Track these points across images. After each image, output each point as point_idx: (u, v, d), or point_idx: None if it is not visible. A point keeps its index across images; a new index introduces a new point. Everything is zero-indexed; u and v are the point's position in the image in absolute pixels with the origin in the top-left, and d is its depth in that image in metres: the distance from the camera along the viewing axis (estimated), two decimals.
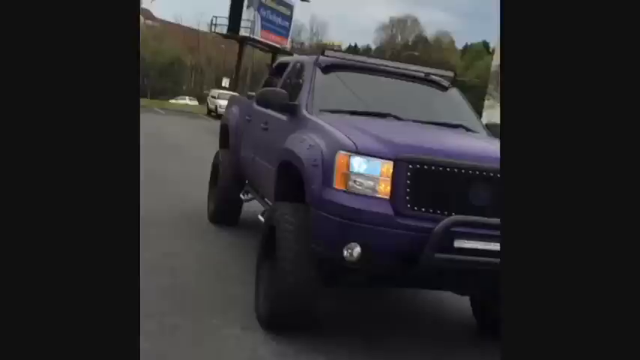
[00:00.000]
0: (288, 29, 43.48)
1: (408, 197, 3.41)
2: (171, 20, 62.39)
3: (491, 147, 3.80)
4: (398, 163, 3.44)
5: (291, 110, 4.58)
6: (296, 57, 5.77)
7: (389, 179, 3.45)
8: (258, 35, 39.69)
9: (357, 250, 3.42)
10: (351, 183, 3.47)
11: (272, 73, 6.10)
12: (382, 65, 5.07)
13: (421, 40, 76.72)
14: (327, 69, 4.86)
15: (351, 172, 3.47)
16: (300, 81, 4.95)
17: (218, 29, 41.21)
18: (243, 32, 39.06)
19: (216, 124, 23.87)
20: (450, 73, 5.29)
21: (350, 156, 3.48)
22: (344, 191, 3.48)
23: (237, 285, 4.66)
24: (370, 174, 3.46)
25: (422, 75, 5.18)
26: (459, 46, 77.84)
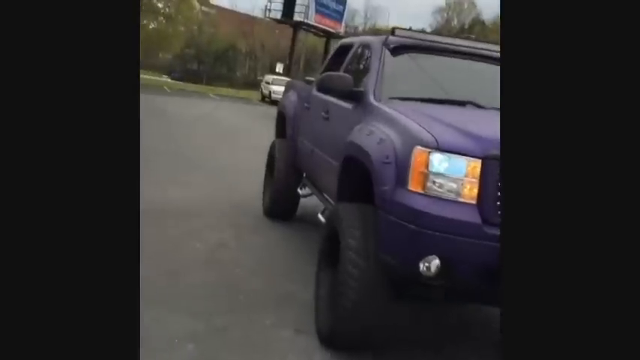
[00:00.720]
0: (342, 13, 42.69)
1: (499, 202, 2.86)
2: (226, 6, 62.52)
3: None
4: (487, 161, 2.88)
5: (357, 97, 4.05)
6: (361, 37, 5.21)
7: (476, 181, 2.90)
8: (312, 19, 39.14)
9: (436, 264, 2.90)
10: (429, 184, 2.94)
11: (334, 56, 5.57)
12: (458, 45, 4.45)
13: (478, 23, 74.47)
14: (397, 50, 4.29)
15: (431, 171, 2.93)
16: (366, 64, 4.41)
17: (272, 14, 40.86)
18: (297, 17, 38.61)
19: (269, 110, 23.93)
20: None
21: (430, 153, 2.94)
22: (421, 194, 2.95)
23: (292, 282, 4.38)
24: (454, 174, 2.91)
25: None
26: None
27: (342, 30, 42.75)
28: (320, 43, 46.10)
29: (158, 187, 6.55)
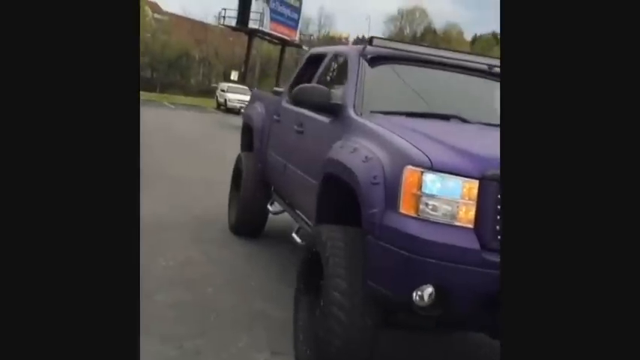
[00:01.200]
0: (297, 21, 42.58)
1: (498, 226, 2.67)
2: (180, 13, 61.60)
3: None
4: (485, 182, 2.69)
5: (335, 111, 3.82)
6: (334, 47, 4.99)
7: (473, 203, 2.70)
8: (267, 27, 38.88)
9: (430, 293, 2.69)
10: (422, 207, 2.72)
11: (304, 67, 5.33)
12: (438, 56, 4.26)
13: (430, 31, 75.54)
14: (375, 61, 4.07)
15: (424, 192, 2.72)
16: (343, 76, 4.19)
17: (226, 22, 40.40)
18: (252, 24, 38.27)
19: (226, 118, 23.48)
20: None
21: (422, 172, 2.73)
22: (413, 217, 2.73)
23: (263, 300, 4.26)
24: (448, 196, 2.71)
25: (485, 67, 4.39)
26: (468, 37, 76.67)
27: (297, 38, 42.63)
28: (275, 50, 45.89)
29: None
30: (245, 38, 41.33)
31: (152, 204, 6.65)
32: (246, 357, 3.39)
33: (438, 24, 78.33)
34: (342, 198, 3.30)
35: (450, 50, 4.32)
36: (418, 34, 75.14)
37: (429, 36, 73.00)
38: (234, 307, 4.07)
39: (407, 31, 77.87)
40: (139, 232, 1.80)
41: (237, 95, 31.01)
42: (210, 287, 4.39)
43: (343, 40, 60.21)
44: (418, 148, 2.86)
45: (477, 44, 71.30)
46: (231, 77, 41.00)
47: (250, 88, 32.25)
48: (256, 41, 42.73)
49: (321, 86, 4.07)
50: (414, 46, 4.30)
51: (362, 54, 4.07)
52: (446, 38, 72.47)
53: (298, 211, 4.57)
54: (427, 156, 2.77)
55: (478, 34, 75.60)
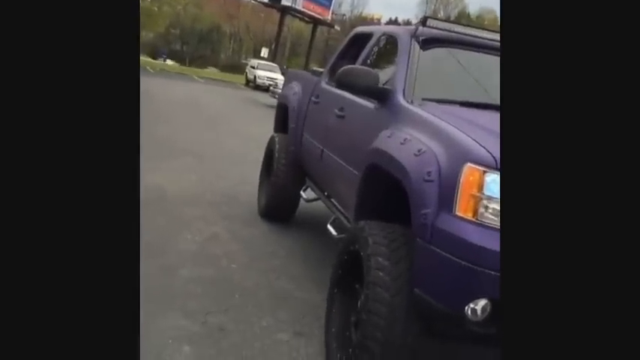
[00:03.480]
0: (330, 0, 41.96)
1: None
2: None
3: None
4: None
5: (382, 96, 3.50)
6: (382, 27, 4.63)
7: None
8: (299, 5, 38.42)
9: (484, 307, 2.40)
10: (482, 210, 2.42)
11: (347, 47, 5.01)
12: (495, 40, 3.86)
13: (464, 15, 74.28)
14: (428, 44, 3.73)
15: (485, 194, 2.41)
16: (391, 59, 3.86)
17: None
18: (284, 1, 37.82)
19: (254, 95, 23.51)
20: None
21: (484, 172, 2.43)
22: (471, 221, 2.43)
23: (288, 279, 4.22)
24: None
25: None
26: None
27: (329, 17, 42.07)
28: (306, 29, 45.42)
29: (143, 172, 6.10)
30: (277, 15, 40.93)
31: (178, 178, 6.55)
32: (270, 337, 3.34)
33: (473, 8, 76.91)
34: (388, 193, 3.01)
35: None
36: (452, 18, 74.03)
37: (464, 20, 71.84)
38: (257, 286, 4.02)
39: (441, 14, 76.72)
40: (139, 232, 1.76)
41: (266, 72, 30.74)
42: (234, 264, 4.32)
43: (375, 21, 59.47)
44: (480, 144, 2.55)
45: None
46: (261, 54, 40.71)
47: (280, 66, 31.99)
48: (288, 19, 42.35)
49: (368, 68, 3.75)
50: (470, 29, 3.93)
51: (414, 35, 3.73)
52: (480, 23, 71.29)
53: (334, 201, 4.29)
54: (490, 153, 2.46)
55: None
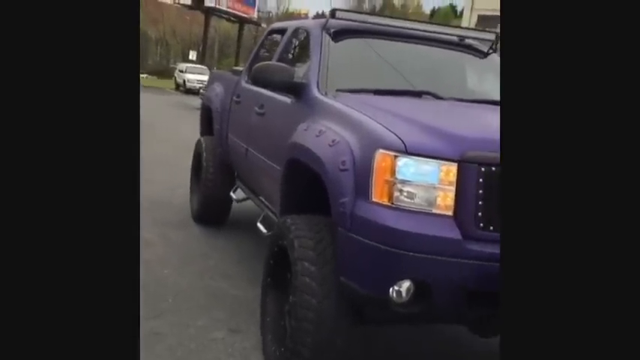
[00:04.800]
0: None
1: (480, 213, 2.46)
2: None
3: None
4: (464, 165, 2.47)
5: (298, 91, 3.54)
6: (295, 22, 4.67)
7: (452, 188, 2.48)
8: (224, 5, 37.92)
9: (409, 288, 2.47)
10: (396, 194, 2.49)
11: (263, 44, 5.02)
12: (406, 28, 3.99)
13: (389, 5, 75.21)
14: (339, 35, 3.80)
15: (398, 179, 2.49)
16: (305, 53, 3.91)
17: (182, 0, 39.30)
18: (208, 2, 37.26)
19: (185, 99, 23.03)
20: (492, 35, 4.20)
21: (395, 157, 2.49)
22: (387, 206, 2.49)
23: (222, 278, 4.26)
24: (425, 182, 2.48)
25: (455, 39, 4.14)
26: (427, 10, 76.66)
27: (255, 15, 41.79)
28: (233, 29, 45.00)
29: None
30: (202, 17, 40.36)
31: None
32: (205, 336, 3.36)
33: None
34: (309, 186, 3.05)
35: (417, 21, 4.03)
36: (377, 9, 74.79)
37: (388, 9, 72.73)
38: (191, 287, 4.04)
39: (366, 5, 77.46)
40: (139, 231, 1.78)
41: (196, 75, 30.38)
42: (166, 269, 4.32)
43: (302, 16, 59.49)
44: (390, 130, 2.62)
45: (436, 17, 71.41)
46: (190, 57, 40.11)
47: (209, 68, 31.63)
48: (214, 20, 41.81)
49: (281, 64, 3.78)
50: (379, 18, 4.02)
51: (324, 28, 3.79)
52: (404, 12, 72.29)
53: (262, 199, 4.30)
54: (400, 138, 2.53)
55: (436, 7, 75.72)
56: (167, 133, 12.25)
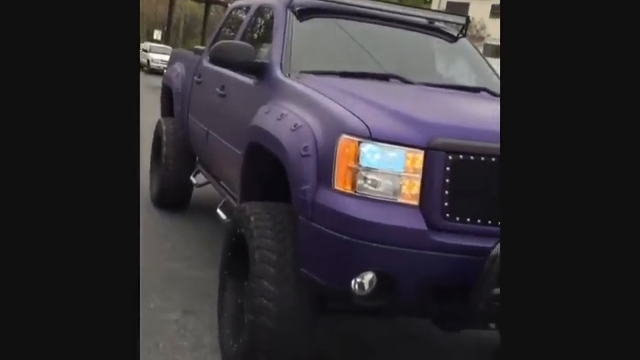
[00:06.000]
0: None
1: (446, 203, 2.35)
2: None
3: None
4: (431, 152, 2.35)
5: (260, 71, 3.38)
6: (259, 0, 4.48)
7: (418, 177, 2.36)
8: None
9: (371, 280, 2.36)
10: (360, 182, 2.37)
11: (226, 22, 4.82)
12: (375, 8, 3.84)
13: None
14: (304, 14, 3.63)
15: (362, 166, 2.36)
16: (268, 32, 3.74)
17: None
18: None
19: (149, 79, 22.71)
20: (462, 19, 4.08)
21: (360, 142, 2.37)
22: (350, 194, 2.37)
23: (179, 259, 4.16)
24: (390, 169, 2.36)
25: (425, 21, 4.01)
26: None
27: None
28: (199, 8, 44.19)
29: None
30: None
31: None
32: (159, 317, 3.30)
33: None
34: (270, 171, 2.91)
35: (387, 2, 3.90)
36: None
37: None
38: (146, 269, 3.84)
39: None
40: (139, 231, 1.76)
41: (160, 55, 29.68)
42: None
43: None
44: (354, 114, 2.49)
45: (405, 2, 71.34)
46: (154, 37, 39.27)
47: (174, 48, 31.05)
48: None
49: (242, 43, 3.61)
50: None
51: (289, 6, 3.62)
52: None
53: (223, 184, 4.14)
54: (365, 123, 2.41)
55: None
56: None
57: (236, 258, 2.95)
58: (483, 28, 26.46)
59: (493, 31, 26.99)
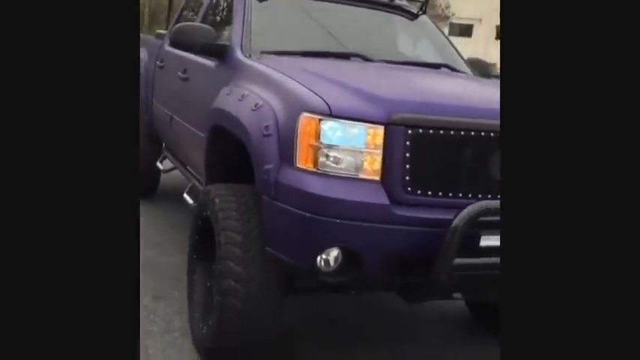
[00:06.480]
0: None
1: (407, 177, 2.37)
2: None
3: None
4: (391, 127, 2.36)
5: (220, 53, 3.35)
6: None
7: (379, 152, 2.37)
8: None
9: (337, 257, 2.38)
10: (322, 159, 2.37)
11: (186, 5, 4.76)
12: None
13: None
14: None
15: (322, 143, 2.37)
16: (228, 13, 3.70)
17: None
18: None
19: None
20: None
21: (320, 120, 2.37)
22: (312, 172, 2.38)
23: (149, 247, 4.15)
24: (351, 146, 2.37)
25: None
26: None
27: None
28: None
29: None
30: None
31: None
32: None
33: None
34: (233, 153, 2.90)
35: None
36: None
37: None
38: None
39: None
40: (139, 230, 1.73)
41: None
42: None
43: None
44: (314, 92, 2.48)
45: None
46: None
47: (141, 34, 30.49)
48: None
49: (202, 25, 3.57)
50: None
51: None
52: None
53: (189, 169, 4.12)
54: (325, 100, 2.41)
55: None
56: None
57: (203, 241, 2.94)
58: (448, 7, 26.50)
59: (458, 10, 27.07)
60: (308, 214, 2.34)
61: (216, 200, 2.71)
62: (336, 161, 2.37)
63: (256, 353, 2.79)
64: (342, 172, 2.37)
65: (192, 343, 2.94)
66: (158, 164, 4.88)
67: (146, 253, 4.01)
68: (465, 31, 29.27)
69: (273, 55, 3.22)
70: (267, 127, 2.52)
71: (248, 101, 2.74)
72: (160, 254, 4.06)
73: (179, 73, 3.94)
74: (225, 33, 3.65)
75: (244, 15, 3.43)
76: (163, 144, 4.84)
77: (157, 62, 4.64)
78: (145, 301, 3.35)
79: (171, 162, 4.68)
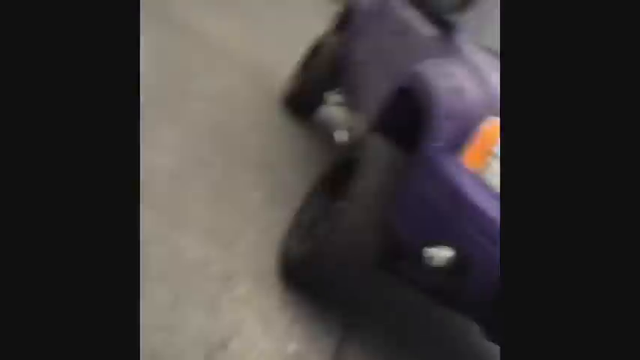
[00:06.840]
0: None
1: None
2: None
3: None
4: None
5: (446, 30, 3.34)
6: None
7: None
8: None
9: (448, 256, 2.38)
10: (486, 167, 2.39)
11: None
12: None
13: None
14: None
15: (497, 154, 2.37)
16: None
17: None
18: None
19: None
20: None
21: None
22: (472, 173, 2.39)
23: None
24: None
25: None
26: None
27: None
28: None
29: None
30: None
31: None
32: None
33: None
34: (406, 120, 2.95)
35: None
36: None
37: None
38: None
39: None
40: (139, 229, 1.73)
41: None
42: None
43: None
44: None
45: None
46: None
47: None
48: None
49: None
50: None
51: None
52: None
53: (355, 111, 4.20)
54: None
55: None
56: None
57: (335, 179, 3.03)
58: None
59: None
60: (447, 207, 2.39)
61: (372, 149, 2.78)
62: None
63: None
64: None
65: (276, 262, 3.04)
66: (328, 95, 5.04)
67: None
68: None
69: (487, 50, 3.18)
70: (453, 111, 2.56)
71: (450, 80, 2.78)
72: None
73: (396, 27, 4.02)
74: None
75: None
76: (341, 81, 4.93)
77: (377, 7, 4.70)
78: None
79: (342, 100, 4.80)
